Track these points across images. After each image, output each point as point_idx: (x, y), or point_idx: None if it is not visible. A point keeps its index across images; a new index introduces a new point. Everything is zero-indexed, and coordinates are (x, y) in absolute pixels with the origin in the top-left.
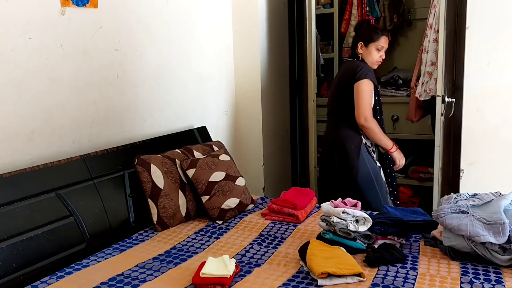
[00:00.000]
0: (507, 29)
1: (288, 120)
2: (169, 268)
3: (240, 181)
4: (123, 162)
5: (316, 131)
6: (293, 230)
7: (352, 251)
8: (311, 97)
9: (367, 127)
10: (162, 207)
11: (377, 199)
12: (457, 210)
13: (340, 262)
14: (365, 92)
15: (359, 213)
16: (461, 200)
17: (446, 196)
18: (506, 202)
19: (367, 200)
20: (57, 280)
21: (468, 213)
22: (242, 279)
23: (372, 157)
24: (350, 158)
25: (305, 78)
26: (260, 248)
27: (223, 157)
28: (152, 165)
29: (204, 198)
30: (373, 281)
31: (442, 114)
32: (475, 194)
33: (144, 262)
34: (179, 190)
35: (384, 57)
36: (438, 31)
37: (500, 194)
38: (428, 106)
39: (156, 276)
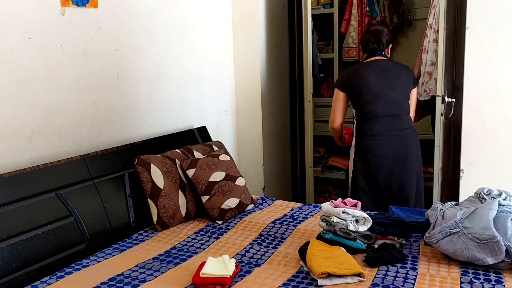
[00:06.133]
0: (507, 29)
1: (288, 120)
2: (169, 268)
3: (240, 181)
4: (123, 162)
5: (312, 132)
6: (293, 230)
7: (352, 251)
8: (307, 97)
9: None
10: (162, 207)
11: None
12: (448, 233)
13: (340, 262)
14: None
15: (359, 213)
16: (447, 209)
17: (429, 211)
18: (494, 213)
19: (420, 194)
20: (57, 280)
21: (459, 231)
22: (242, 279)
23: None
24: (419, 154)
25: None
26: (260, 248)
27: (223, 157)
28: (152, 165)
29: (204, 198)
30: (373, 281)
31: (442, 114)
32: (457, 204)
33: (144, 262)
34: (179, 190)
35: None
36: (438, 31)
37: (488, 192)
38: (428, 106)
39: (156, 276)
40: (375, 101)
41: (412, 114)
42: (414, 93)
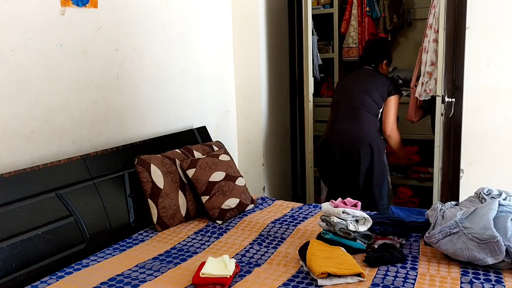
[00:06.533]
0: (507, 29)
1: (288, 120)
2: (169, 268)
3: (240, 181)
4: (123, 162)
5: (313, 132)
6: (293, 230)
7: (352, 251)
8: (307, 97)
9: (392, 136)
10: (162, 207)
11: (385, 195)
12: (448, 233)
13: (340, 262)
14: (396, 106)
15: (359, 213)
16: (447, 209)
17: (429, 211)
18: (494, 213)
19: (377, 195)
20: (57, 280)
21: (459, 231)
22: (242, 279)
23: (386, 157)
24: (375, 153)
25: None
26: (260, 248)
27: (223, 157)
28: (152, 165)
29: (204, 198)
30: (373, 281)
31: (442, 114)
32: (457, 204)
33: (144, 262)
34: (179, 190)
35: None
36: (438, 31)
37: (488, 192)
38: (428, 106)
39: (156, 276)
40: (340, 93)
41: (391, 120)
42: (390, 101)
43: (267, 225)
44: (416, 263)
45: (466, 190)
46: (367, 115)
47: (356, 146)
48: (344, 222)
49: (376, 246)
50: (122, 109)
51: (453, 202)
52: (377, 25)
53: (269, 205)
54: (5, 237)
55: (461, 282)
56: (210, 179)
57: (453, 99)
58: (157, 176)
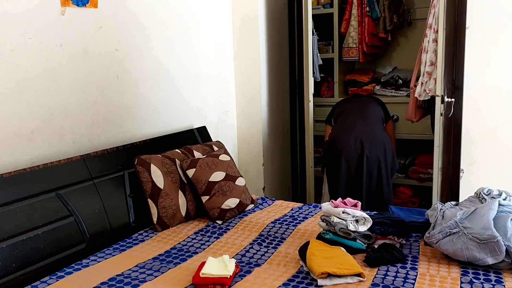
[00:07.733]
0: (507, 29)
1: (288, 120)
2: (169, 268)
3: (240, 181)
4: (123, 162)
5: (313, 132)
6: (293, 230)
7: (352, 251)
8: (307, 97)
9: None
10: (162, 207)
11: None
12: (448, 233)
13: (340, 262)
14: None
15: (359, 213)
16: (447, 209)
17: (429, 211)
18: (494, 213)
19: (387, 192)
20: (57, 280)
21: (459, 231)
22: (242, 279)
23: None
24: (395, 157)
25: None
26: (260, 248)
27: (223, 157)
28: (152, 165)
29: (204, 198)
30: (373, 281)
31: (441, 114)
32: (457, 204)
33: (144, 262)
34: (179, 190)
35: None
36: (437, 31)
37: (488, 192)
38: (427, 106)
39: (156, 276)
40: (345, 104)
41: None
42: (389, 125)
43: (267, 225)
44: (416, 263)
45: (466, 190)
46: (382, 126)
47: (383, 149)
48: (344, 222)
49: (376, 246)
50: (122, 109)
51: (453, 202)
52: (377, 25)
53: (269, 205)
54: (5, 237)
55: (461, 282)
56: (210, 179)
57: (453, 99)
58: (157, 176)
